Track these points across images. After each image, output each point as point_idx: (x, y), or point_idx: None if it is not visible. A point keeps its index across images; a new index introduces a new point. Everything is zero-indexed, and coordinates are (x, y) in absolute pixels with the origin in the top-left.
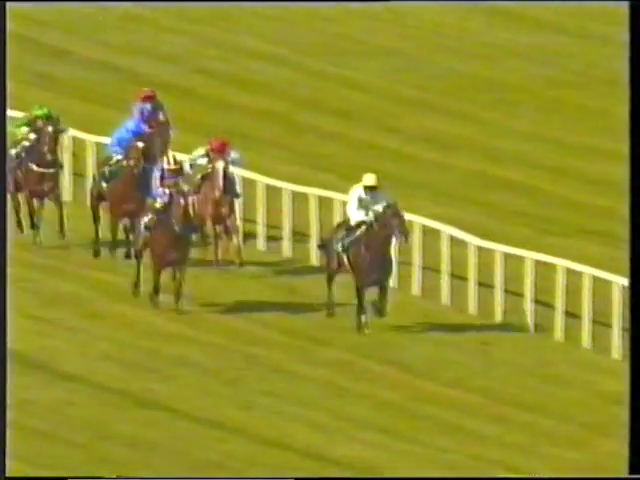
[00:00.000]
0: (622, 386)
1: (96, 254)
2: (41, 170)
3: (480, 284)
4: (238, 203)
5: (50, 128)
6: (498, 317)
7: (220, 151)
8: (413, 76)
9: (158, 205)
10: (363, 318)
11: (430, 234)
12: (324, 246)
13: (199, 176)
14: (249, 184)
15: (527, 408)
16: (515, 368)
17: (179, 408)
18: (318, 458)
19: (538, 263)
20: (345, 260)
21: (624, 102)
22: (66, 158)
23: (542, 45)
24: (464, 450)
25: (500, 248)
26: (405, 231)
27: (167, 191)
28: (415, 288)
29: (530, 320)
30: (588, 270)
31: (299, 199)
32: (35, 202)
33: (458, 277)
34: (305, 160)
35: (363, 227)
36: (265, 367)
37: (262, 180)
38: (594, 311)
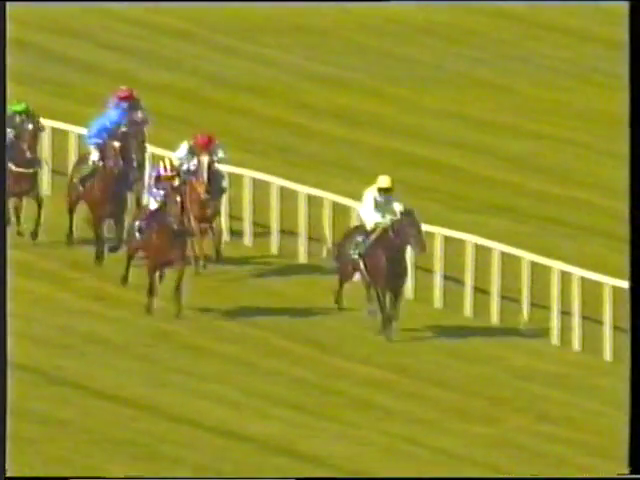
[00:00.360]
0: (531, 361)
1: (69, 243)
2: (20, 170)
3: None
4: (225, 197)
5: (30, 126)
6: (409, 293)
7: (205, 147)
8: (323, 52)
9: (152, 207)
10: (394, 324)
11: (340, 211)
12: (338, 255)
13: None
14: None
15: (437, 384)
16: (424, 343)
17: (90, 385)
18: (230, 435)
19: (448, 239)
20: (362, 266)
21: (531, 80)
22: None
23: (455, 23)
24: (375, 426)
25: None
26: (422, 243)
27: (161, 192)
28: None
29: (440, 295)
30: (497, 246)
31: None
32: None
33: None
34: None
35: (379, 232)
36: (175, 344)
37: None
38: (503, 287)
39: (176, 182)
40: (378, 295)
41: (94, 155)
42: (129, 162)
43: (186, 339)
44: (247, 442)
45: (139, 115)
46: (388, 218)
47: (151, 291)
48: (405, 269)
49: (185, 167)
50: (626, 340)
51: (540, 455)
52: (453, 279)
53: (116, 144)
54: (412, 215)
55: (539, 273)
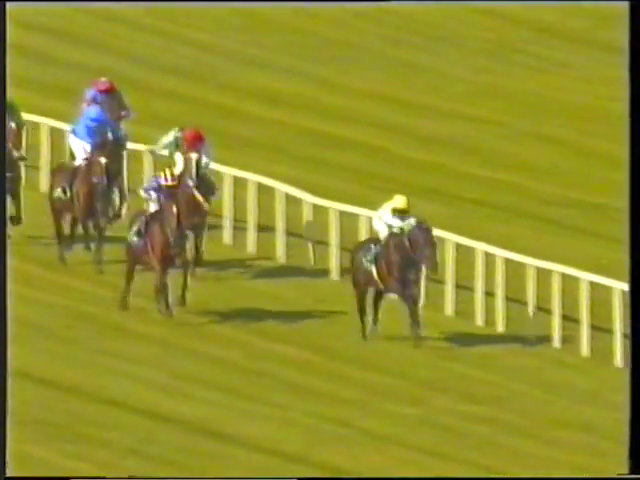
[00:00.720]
0: (455, 341)
1: (61, 259)
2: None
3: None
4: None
5: (13, 124)
6: (333, 274)
7: (192, 143)
8: (245, 33)
9: (152, 210)
10: (419, 332)
11: (265, 192)
12: (352, 264)
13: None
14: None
15: (363, 365)
16: (349, 326)
17: (14, 367)
18: (158, 417)
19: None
20: (374, 274)
21: (454, 60)
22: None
23: (377, 3)
24: (302, 407)
25: (335, 205)
26: (434, 262)
27: (160, 196)
28: (250, 246)
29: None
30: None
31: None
32: None
33: (292, 234)
34: (137, 117)
35: (391, 237)
36: (101, 325)
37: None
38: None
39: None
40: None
41: (79, 160)
42: (113, 178)
43: (113, 322)
44: (175, 424)
45: (120, 109)
46: (401, 226)
47: (164, 292)
48: (418, 277)
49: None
50: (551, 320)
51: (465, 435)
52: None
53: (103, 160)
54: (429, 232)
55: (464, 254)
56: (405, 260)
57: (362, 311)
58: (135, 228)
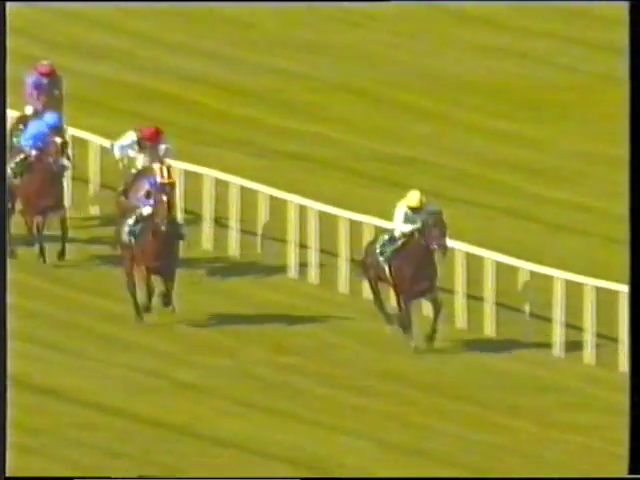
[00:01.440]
0: (270, 294)
1: (12, 254)
2: None
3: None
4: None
5: None
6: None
7: (152, 140)
8: None
9: (144, 212)
10: (414, 332)
11: (79, 145)
12: (365, 258)
13: (133, 171)
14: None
15: (176, 318)
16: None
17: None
18: None
19: (187, 173)
20: (387, 272)
21: (262, 13)
22: None
23: None
24: (116, 359)
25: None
26: (444, 244)
27: (152, 200)
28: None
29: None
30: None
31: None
32: None
33: (107, 187)
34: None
35: (406, 237)
36: None
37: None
38: (242, 220)
39: (172, 189)
40: (399, 301)
41: (32, 152)
42: (68, 159)
43: None
44: None
45: (57, 93)
46: (419, 224)
47: (149, 296)
48: (434, 272)
49: (130, 153)
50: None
51: (277, 386)
52: (192, 213)
53: (58, 140)
54: (438, 215)
55: (277, 207)
56: (418, 268)
57: (376, 294)
58: (127, 229)
